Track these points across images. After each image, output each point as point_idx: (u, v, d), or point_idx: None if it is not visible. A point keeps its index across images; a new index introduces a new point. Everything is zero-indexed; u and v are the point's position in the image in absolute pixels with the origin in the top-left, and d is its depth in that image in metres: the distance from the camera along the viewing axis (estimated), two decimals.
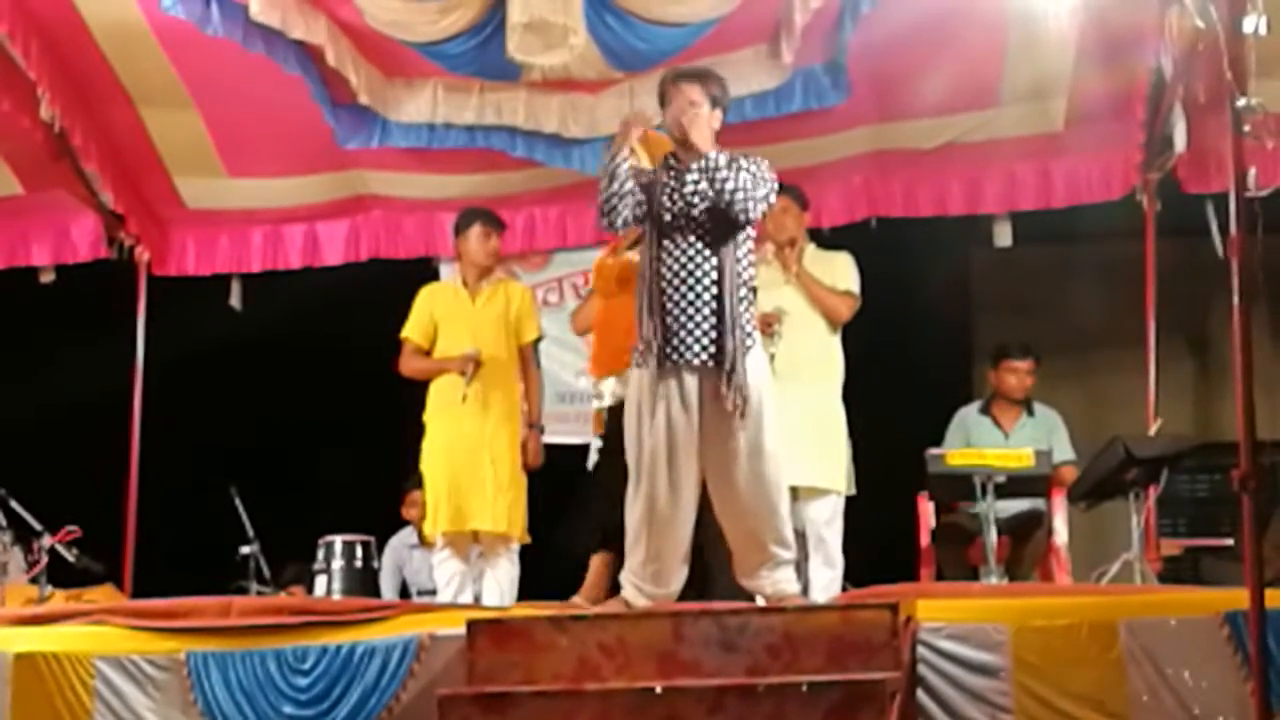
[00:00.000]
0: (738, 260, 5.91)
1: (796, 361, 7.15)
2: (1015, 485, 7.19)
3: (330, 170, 8.95)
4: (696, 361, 5.83)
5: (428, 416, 7.35)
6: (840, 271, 7.40)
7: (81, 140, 8.32)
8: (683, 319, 5.87)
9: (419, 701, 5.53)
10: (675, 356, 5.85)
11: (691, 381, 5.85)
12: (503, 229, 7.61)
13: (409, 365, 7.43)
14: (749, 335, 5.90)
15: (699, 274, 5.88)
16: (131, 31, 7.72)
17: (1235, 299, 4.67)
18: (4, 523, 7.68)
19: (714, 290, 5.87)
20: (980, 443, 7.76)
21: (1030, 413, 8.08)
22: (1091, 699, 5.14)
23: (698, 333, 5.85)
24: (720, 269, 5.87)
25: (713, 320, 5.85)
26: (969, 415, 8.14)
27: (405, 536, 9.17)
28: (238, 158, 8.83)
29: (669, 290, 5.90)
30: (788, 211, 7.28)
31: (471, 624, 5.51)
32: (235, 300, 9.50)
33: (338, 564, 7.80)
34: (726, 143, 6.11)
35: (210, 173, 8.93)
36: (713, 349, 5.83)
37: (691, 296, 5.87)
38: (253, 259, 9.40)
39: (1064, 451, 7.90)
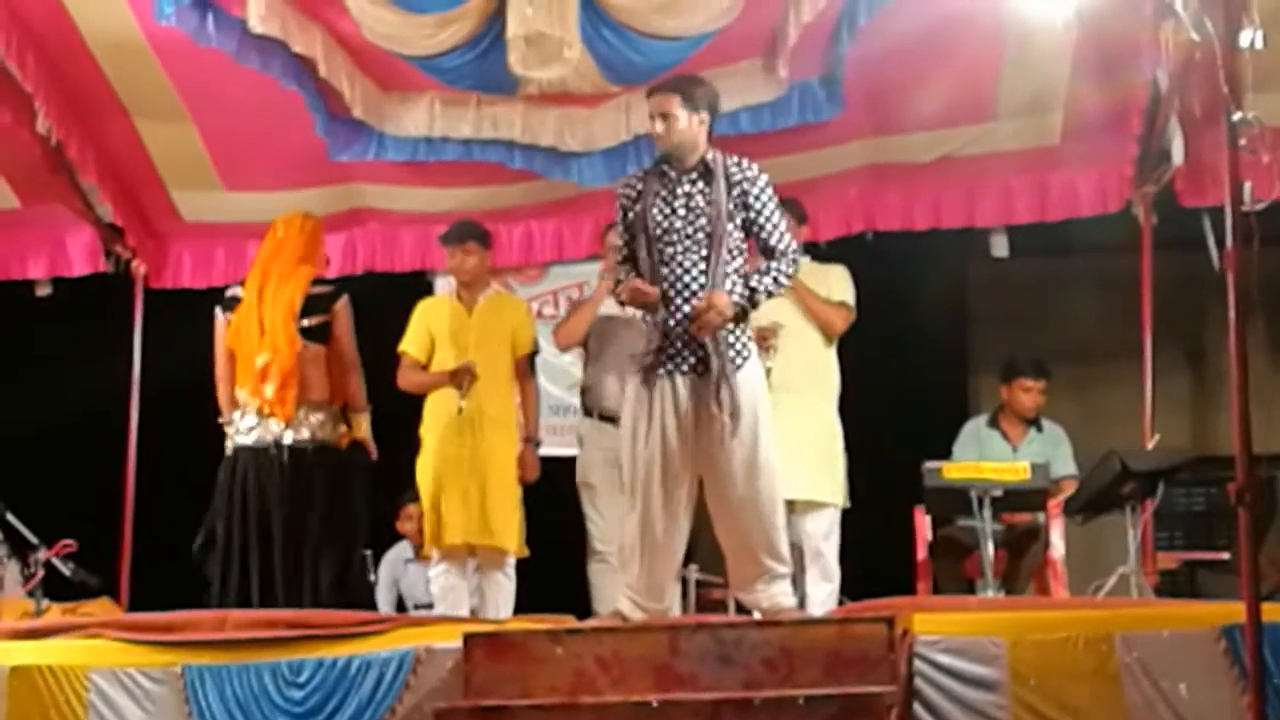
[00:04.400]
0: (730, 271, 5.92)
1: (792, 374, 7.15)
2: (1012, 499, 7.19)
3: (327, 184, 8.94)
4: (688, 370, 5.84)
5: (424, 430, 7.35)
6: (835, 283, 7.40)
7: (78, 153, 8.31)
8: (677, 329, 5.87)
9: (414, 715, 5.51)
10: (669, 366, 5.86)
11: (684, 394, 5.86)
12: (472, 242, 7.52)
13: (406, 379, 7.43)
14: (744, 347, 5.91)
15: (692, 284, 5.88)
16: (128, 45, 7.72)
17: (1231, 313, 4.67)
18: (0, 536, 7.68)
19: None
20: (990, 456, 7.76)
21: (1039, 428, 8.09)
22: (1088, 712, 5.13)
23: (693, 344, 5.85)
24: (712, 280, 5.87)
25: None
26: (980, 428, 8.15)
27: (401, 550, 9.17)
28: (234, 171, 8.83)
29: (663, 300, 5.91)
30: None
31: (468, 637, 5.51)
32: None
33: None
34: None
35: (207, 186, 8.93)
36: (704, 360, 5.83)
37: (687, 308, 5.87)
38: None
39: (1066, 466, 7.91)
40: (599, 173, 8.43)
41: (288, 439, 6.71)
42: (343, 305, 6.90)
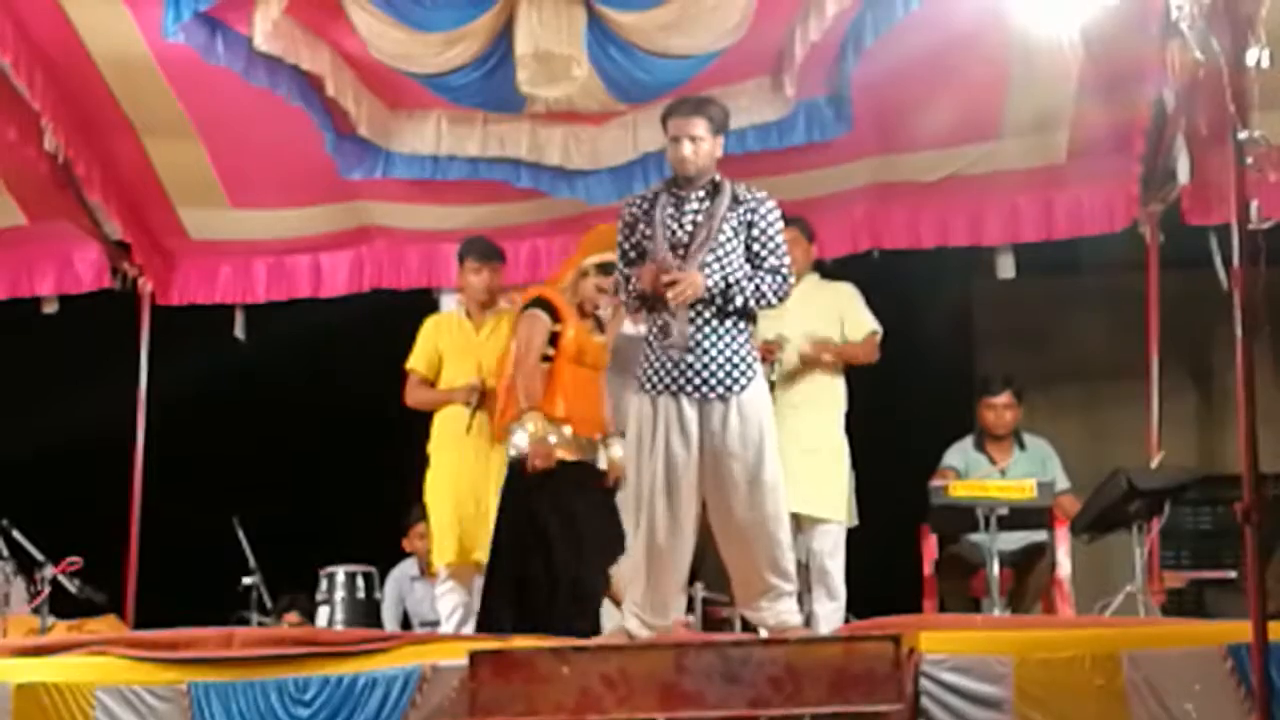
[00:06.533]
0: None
1: (798, 390, 7.15)
2: (1017, 517, 7.17)
3: (334, 201, 8.96)
4: (694, 391, 5.84)
5: (432, 448, 7.36)
6: (852, 310, 7.41)
7: (85, 170, 8.33)
8: (677, 342, 5.87)
9: None
10: (674, 386, 5.86)
11: (690, 412, 5.86)
12: (496, 261, 7.58)
13: (414, 396, 7.44)
14: (749, 366, 5.90)
15: (697, 304, 5.88)
16: (135, 63, 7.74)
17: (1238, 331, 4.67)
18: (6, 553, 7.68)
19: (713, 321, 5.87)
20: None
21: (1021, 446, 8.06)
22: None
23: (697, 365, 5.85)
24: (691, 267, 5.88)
25: (712, 352, 5.86)
26: (966, 451, 8.11)
27: (407, 568, 9.15)
28: (241, 189, 8.83)
29: (669, 319, 5.91)
30: (796, 243, 7.25)
31: (474, 655, 5.51)
32: (239, 331, 9.50)
33: (340, 595, 7.81)
34: (727, 174, 6.12)
35: (214, 203, 8.93)
36: (710, 379, 5.83)
37: (691, 329, 5.87)
38: (256, 290, 9.39)
39: (1060, 480, 7.89)
40: (605, 191, 8.43)
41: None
42: (521, 318, 6.78)
